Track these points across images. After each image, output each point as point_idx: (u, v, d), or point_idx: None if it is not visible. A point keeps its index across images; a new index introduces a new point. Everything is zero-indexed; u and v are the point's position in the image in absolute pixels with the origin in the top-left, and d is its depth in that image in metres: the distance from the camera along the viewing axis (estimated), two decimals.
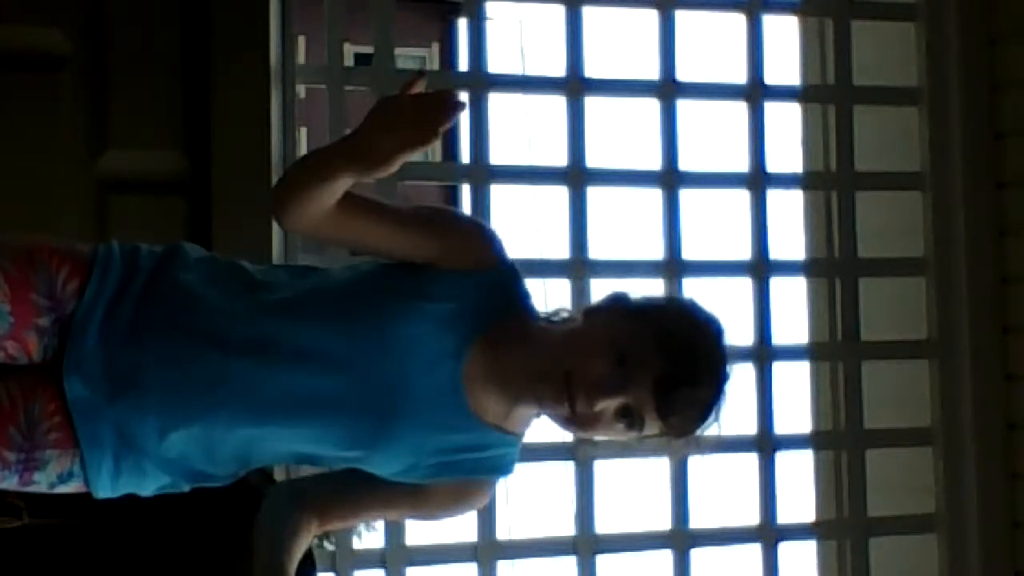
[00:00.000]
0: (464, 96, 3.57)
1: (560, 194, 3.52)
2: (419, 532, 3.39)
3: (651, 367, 1.98)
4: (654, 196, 3.59)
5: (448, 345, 2.09)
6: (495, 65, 3.56)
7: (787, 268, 3.78)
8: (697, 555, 3.56)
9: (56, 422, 2.02)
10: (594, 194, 3.53)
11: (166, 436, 2.05)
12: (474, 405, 2.12)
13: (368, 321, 2.08)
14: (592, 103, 3.55)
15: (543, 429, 3.54)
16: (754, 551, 3.62)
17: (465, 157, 3.58)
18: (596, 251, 3.52)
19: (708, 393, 2.03)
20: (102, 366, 2.03)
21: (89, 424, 2.03)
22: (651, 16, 3.63)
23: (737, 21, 3.70)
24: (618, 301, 2.12)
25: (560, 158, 3.55)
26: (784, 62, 4.10)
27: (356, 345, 2.07)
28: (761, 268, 3.64)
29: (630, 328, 2.02)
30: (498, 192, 3.49)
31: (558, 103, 3.55)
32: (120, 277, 2.08)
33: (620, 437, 2.07)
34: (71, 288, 2.05)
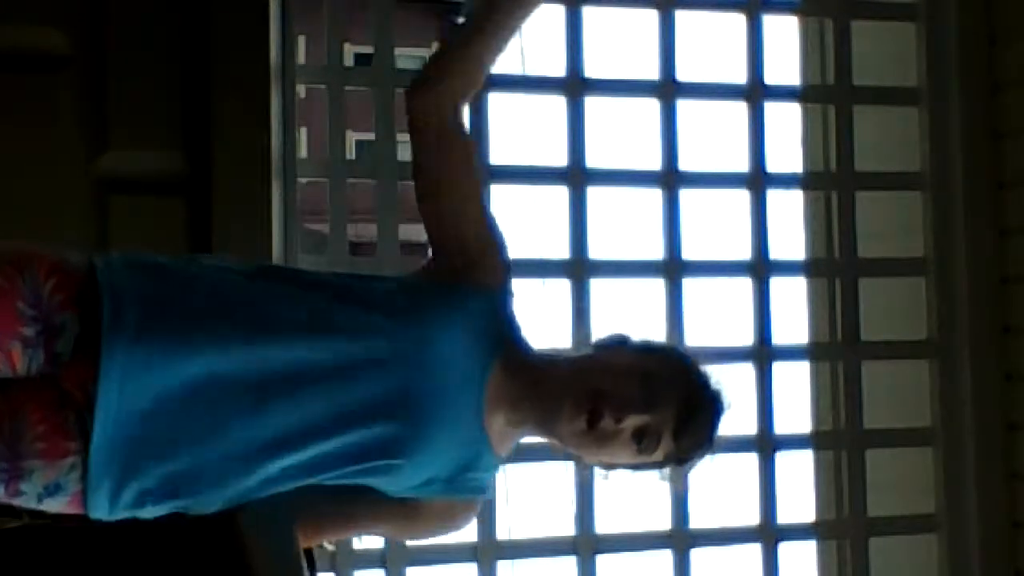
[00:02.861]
0: None
1: (560, 194, 3.53)
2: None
3: (672, 393, 2.11)
4: (654, 196, 3.59)
5: (478, 360, 2.14)
6: (495, 65, 3.55)
7: (787, 268, 3.78)
8: (697, 555, 3.56)
9: (41, 431, 2.00)
10: (594, 194, 3.53)
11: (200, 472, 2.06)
12: (486, 423, 2.16)
13: (413, 330, 2.10)
14: (592, 103, 3.55)
15: None
16: (754, 551, 3.62)
17: None
18: (596, 251, 3.52)
19: (714, 422, 2.17)
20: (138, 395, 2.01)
21: (103, 462, 2.02)
22: (651, 16, 3.63)
23: (737, 21, 3.70)
24: (626, 341, 2.21)
25: (560, 158, 3.55)
26: (784, 62, 4.10)
27: (399, 352, 2.09)
28: (761, 268, 3.64)
29: (652, 357, 2.14)
30: (498, 192, 3.49)
31: (558, 103, 3.55)
32: (133, 288, 2.05)
33: (627, 460, 2.16)
34: (57, 299, 2.02)
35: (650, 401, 2.08)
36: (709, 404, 2.16)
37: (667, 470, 2.19)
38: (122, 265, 2.09)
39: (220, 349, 2.03)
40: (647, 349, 2.19)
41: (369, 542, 3.41)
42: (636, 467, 2.18)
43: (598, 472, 2.28)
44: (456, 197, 2.19)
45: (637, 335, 2.22)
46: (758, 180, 3.65)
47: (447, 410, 2.12)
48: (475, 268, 2.17)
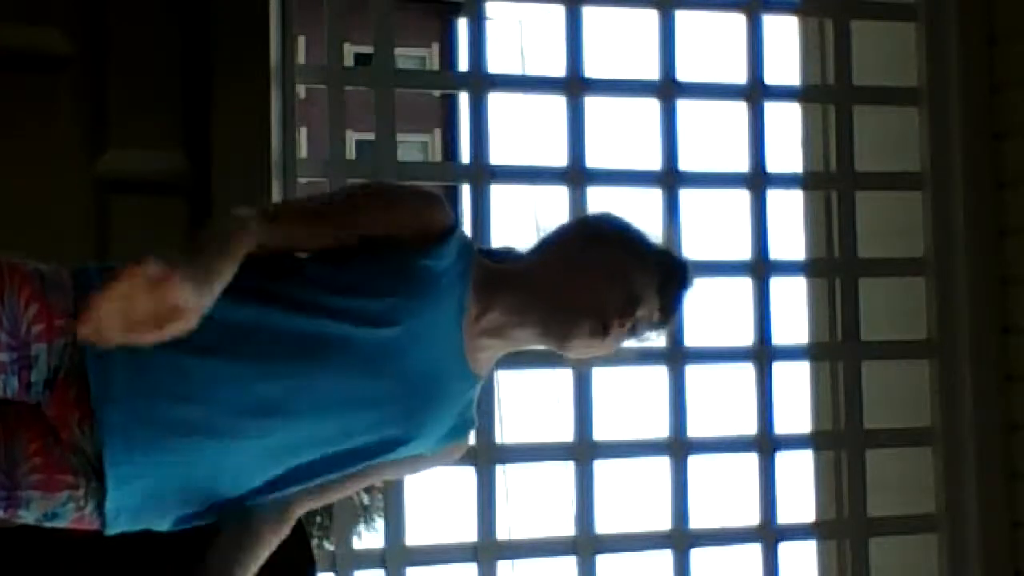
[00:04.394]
0: (464, 96, 3.58)
1: (560, 194, 3.53)
2: (419, 532, 3.39)
3: (651, 279, 2.19)
4: (654, 196, 3.59)
5: (453, 316, 2.14)
6: (495, 65, 3.57)
7: (787, 268, 3.78)
8: (697, 555, 3.56)
9: (38, 463, 1.99)
10: (594, 194, 3.53)
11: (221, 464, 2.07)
12: (470, 363, 2.19)
13: (396, 329, 2.09)
14: (592, 103, 3.55)
15: (543, 429, 3.53)
16: (754, 551, 3.62)
17: (465, 157, 3.58)
18: None
19: (686, 280, 2.29)
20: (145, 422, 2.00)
21: (117, 517, 2.04)
22: (651, 16, 3.63)
23: (737, 21, 3.70)
24: (574, 234, 2.24)
25: (560, 158, 3.55)
26: (784, 62, 4.10)
27: (386, 353, 2.09)
28: (761, 268, 3.64)
29: (618, 254, 2.18)
30: (498, 192, 3.49)
31: (558, 103, 3.55)
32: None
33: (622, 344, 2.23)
34: (36, 331, 1.99)
35: (640, 298, 2.17)
36: (681, 271, 2.26)
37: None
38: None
39: (216, 387, 2.02)
40: (601, 237, 2.21)
41: (369, 542, 3.41)
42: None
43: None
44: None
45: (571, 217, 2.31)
46: (758, 180, 3.65)
47: (438, 382, 2.14)
48: (420, 230, 2.12)
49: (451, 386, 2.16)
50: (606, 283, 2.15)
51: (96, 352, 1.97)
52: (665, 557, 3.55)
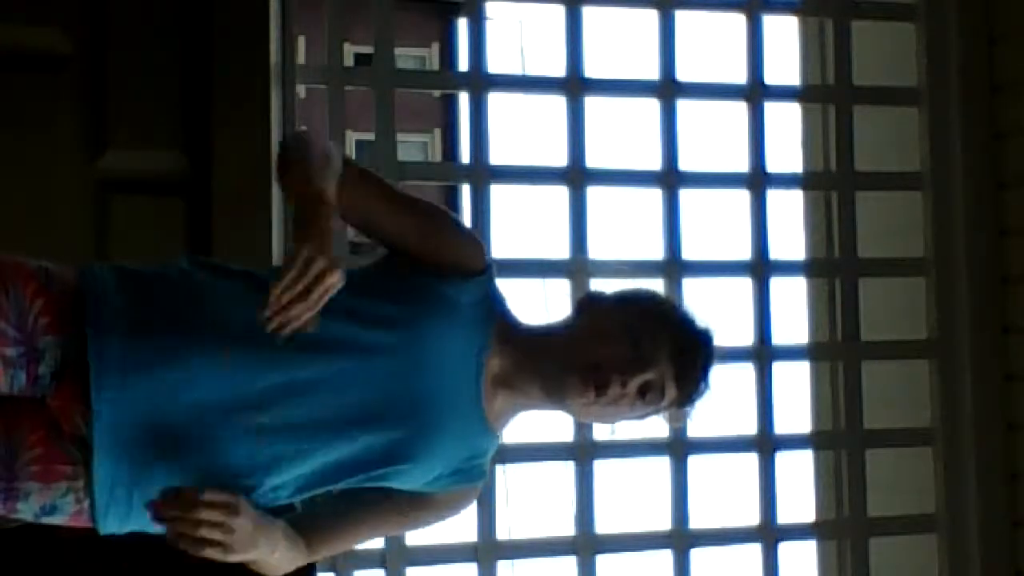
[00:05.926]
0: (464, 96, 3.58)
1: (560, 194, 3.53)
2: (419, 532, 3.39)
3: (663, 341, 2.13)
4: (654, 196, 3.59)
5: (472, 351, 2.13)
6: (495, 65, 3.57)
7: (787, 268, 3.79)
8: (697, 555, 3.56)
9: (37, 455, 1.99)
10: (594, 194, 3.54)
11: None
12: (484, 407, 2.16)
13: (407, 338, 2.08)
14: (592, 103, 3.55)
15: (543, 429, 3.54)
16: (754, 551, 3.62)
17: (465, 157, 3.58)
18: (596, 251, 3.52)
19: (708, 356, 2.20)
20: (133, 415, 1.99)
21: (107, 485, 2.02)
22: (651, 16, 3.63)
23: (737, 21, 3.71)
24: (600, 297, 2.24)
25: (560, 158, 3.55)
26: (784, 62, 4.10)
27: (395, 360, 2.08)
28: (761, 268, 3.64)
29: (632, 314, 2.16)
30: (498, 192, 3.49)
31: (558, 103, 3.55)
32: (122, 306, 2.03)
33: (638, 414, 2.18)
34: (42, 323, 2.00)
35: (646, 357, 2.11)
36: (700, 341, 2.19)
37: (672, 411, 2.21)
38: (113, 292, 2.04)
39: (214, 377, 2.01)
40: (624, 301, 2.21)
41: (369, 542, 3.41)
42: (643, 416, 2.20)
43: (605, 428, 2.28)
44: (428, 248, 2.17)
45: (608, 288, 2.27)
46: (758, 180, 3.65)
47: (447, 408, 2.11)
48: (457, 262, 2.16)
49: (458, 418, 2.13)
50: (609, 339, 2.11)
51: (97, 328, 1.99)
52: (665, 557, 3.55)
